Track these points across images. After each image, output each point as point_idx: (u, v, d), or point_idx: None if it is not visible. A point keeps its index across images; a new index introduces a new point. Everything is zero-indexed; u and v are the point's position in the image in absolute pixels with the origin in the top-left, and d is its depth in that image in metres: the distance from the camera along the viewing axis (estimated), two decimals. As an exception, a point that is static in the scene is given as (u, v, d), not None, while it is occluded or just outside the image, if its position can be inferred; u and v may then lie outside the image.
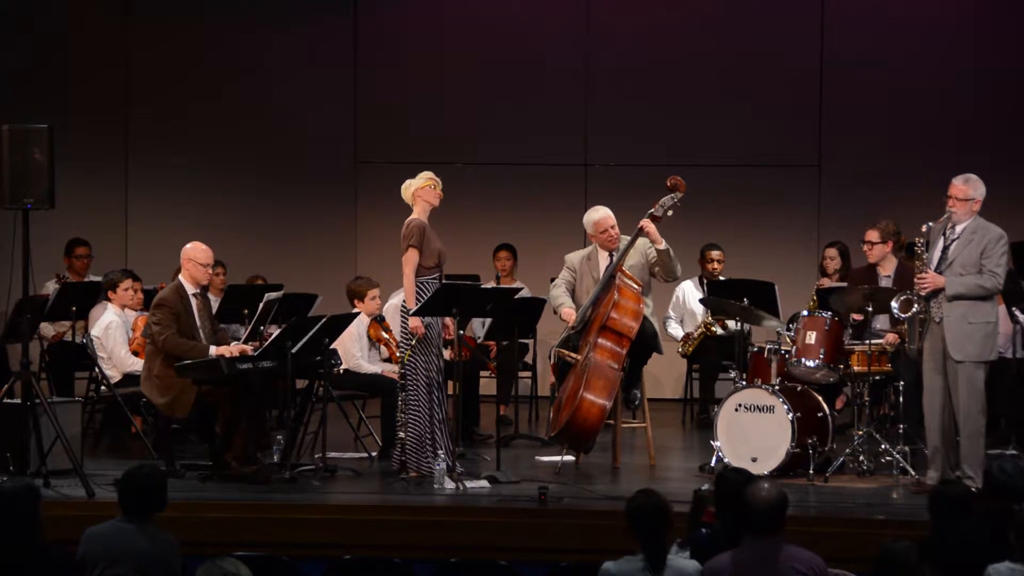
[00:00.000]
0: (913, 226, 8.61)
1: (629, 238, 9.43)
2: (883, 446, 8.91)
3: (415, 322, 8.74)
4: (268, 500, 8.30)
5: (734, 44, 13.47)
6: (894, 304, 8.57)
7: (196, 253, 9.09)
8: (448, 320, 8.90)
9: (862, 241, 9.78)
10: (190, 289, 9.03)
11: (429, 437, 8.79)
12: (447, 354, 9.19)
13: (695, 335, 11.57)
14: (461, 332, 9.58)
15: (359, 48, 13.78)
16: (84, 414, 9.66)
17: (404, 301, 8.91)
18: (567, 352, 9.32)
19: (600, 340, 9.08)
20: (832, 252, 11.49)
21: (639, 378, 9.47)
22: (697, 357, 11.68)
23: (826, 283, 11.10)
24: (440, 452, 8.67)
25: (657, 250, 9.33)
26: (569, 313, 9.41)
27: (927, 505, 6.35)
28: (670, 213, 9.43)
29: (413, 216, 8.92)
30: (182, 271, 9.11)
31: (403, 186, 8.99)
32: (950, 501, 6.24)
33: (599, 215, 9.55)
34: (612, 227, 9.50)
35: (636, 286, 9.23)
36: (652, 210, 9.39)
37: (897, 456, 8.81)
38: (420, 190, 8.91)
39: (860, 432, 9.07)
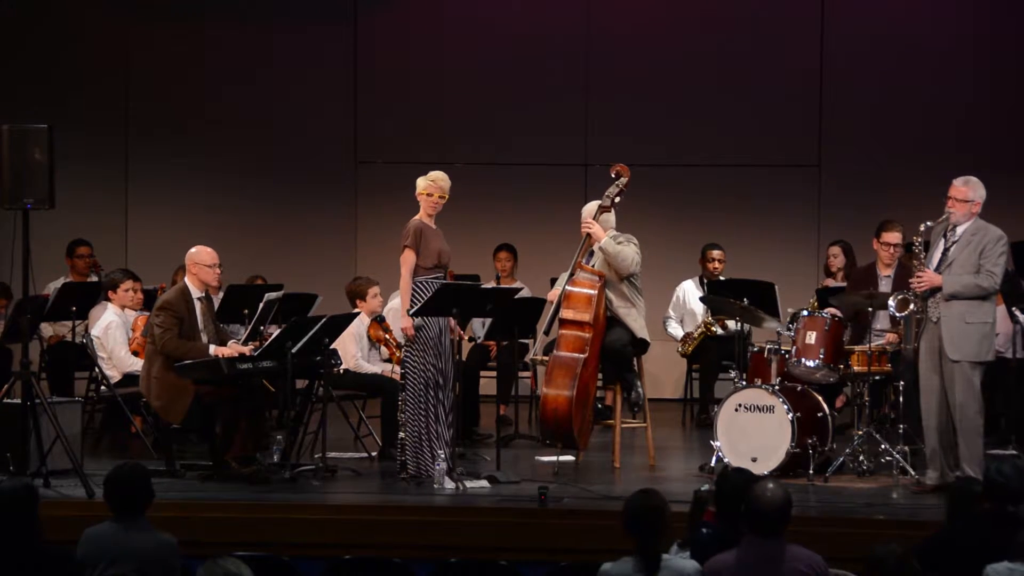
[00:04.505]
0: (913, 226, 8.61)
1: (615, 234, 9.44)
2: (883, 446, 8.91)
3: (406, 322, 8.76)
4: (268, 500, 8.30)
5: (734, 44, 13.47)
6: (891, 303, 8.58)
7: (202, 256, 9.08)
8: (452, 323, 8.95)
9: (883, 243, 9.79)
10: (195, 293, 9.03)
11: (427, 437, 8.78)
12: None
13: (695, 335, 11.57)
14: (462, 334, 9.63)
15: (359, 48, 13.78)
16: (84, 414, 9.67)
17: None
18: (539, 359, 9.43)
19: (561, 332, 9.22)
20: (835, 250, 11.49)
21: (626, 380, 9.43)
22: (697, 357, 11.68)
23: (830, 283, 11.08)
24: (440, 452, 8.67)
25: (600, 249, 9.34)
26: (553, 294, 9.47)
27: (945, 500, 6.35)
28: (618, 200, 9.43)
29: (415, 217, 8.94)
30: (188, 275, 9.09)
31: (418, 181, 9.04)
32: (969, 497, 6.24)
33: None
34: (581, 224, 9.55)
35: (593, 276, 9.22)
36: (600, 201, 9.42)
37: (897, 456, 8.81)
38: (419, 195, 8.95)
39: (860, 432, 9.07)
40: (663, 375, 13.04)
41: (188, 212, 13.58)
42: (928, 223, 8.42)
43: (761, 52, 13.45)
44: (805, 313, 9.34)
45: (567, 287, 9.22)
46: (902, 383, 9.05)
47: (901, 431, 8.92)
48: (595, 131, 13.59)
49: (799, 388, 9.15)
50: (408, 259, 8.84)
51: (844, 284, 10.69)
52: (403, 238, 8.87)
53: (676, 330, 11.78)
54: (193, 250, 9.14)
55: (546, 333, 9.96)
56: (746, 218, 13.33)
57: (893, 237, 9.81)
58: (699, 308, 11.49)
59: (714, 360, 11.49)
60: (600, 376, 9.50)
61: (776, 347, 9.31)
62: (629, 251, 9.25)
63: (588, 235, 9.35)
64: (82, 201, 12.86)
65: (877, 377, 9.29)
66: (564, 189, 13.20)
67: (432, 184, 8.92)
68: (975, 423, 8.32)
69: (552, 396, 9.05)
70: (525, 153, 13.58)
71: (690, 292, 11.77)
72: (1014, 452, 9.62)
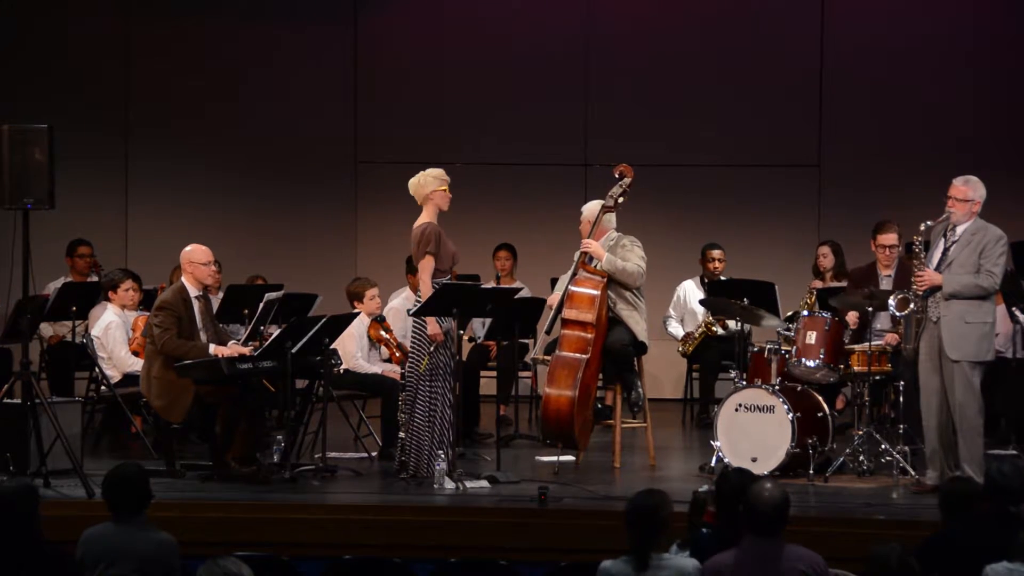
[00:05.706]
0: (913, 226, 8.61)
1: (617, 235, 9.43)
2: (883, 446, 8.91)
3: (434, 328, 8.71)
4: (268, 500, 8.29)
5: (734, 44, 13.48)
6: (891, 302, 8.57)
7: (195, 255, 9.10)
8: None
9: (879, 246, 9.79)
10: (193, 292, 9.03)
11: (428, 435, 8.76)
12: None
13: (696, 335, 11.57)
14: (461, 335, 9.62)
15: (359, 48, 13.78)
16: (84, 414, 9.66)
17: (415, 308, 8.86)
18: (540, 358, 9.42)
19: (564, 332, 9.22)
20: (825, 249, 11.48)
21: (626, 380, 9.42)
22: (697, 357, 11.68)
23: (818, 284, 11.06)
24: (440, 452, 8.66)
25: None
26: (554, 298, 9.46)
27: (938, 502, 6.36)
28: (621, 200, 9.43)
29: (425, 219, 8.85)
30: (184, 274, 9.10)
31: (414, 182, 8.89)
32: (961, 498, 6.25)
33: None
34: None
35: (596, 277, 9.21)
36: (604, 201, 9.41)
37: (897, 456, 8.81)
38: (435, 193, 8.87)
39: (860, 432, 9.07)
40: (663, 375, 13.05)
41: (188, 212, 13.58)
42: (928, 223, 8.41)
43: (761, 52, 13.45)
44: (805, 313, 9.35)
45: (570, 287, 9.21)
46: (902, 383, 9.06)
47: (901, 431, 8.92)
48: (595, 131, 13.59)
49: (799, 388, 9.15)
50: (429, 266, 8.76)
51: (835, 284, 10.70)
52: (422, 244, 8.75)
53: (676, 329, 11.78)
54: (187, 248, 9.16)
55: (547, 332, 9.96)
56: (746, 218, 13.33)
57: (889, 239, 9.82)
58: (699, 308, 11.48)
59: (714, 360, 11.49)
60: (600, 376, 9.51)
61: (776, 347, 9.31)
62: (632, 265, 9.23)
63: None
64: (82, 201, 12.86)
65: (877, 377, 9.29)
66: (564, 189, 13.21)
67: (440, 178, 8.88)
68: (975, 423, 8.32)
69: (555, 396, 9.06)
70: (525, 153, 13.58)
71: (690, 292, 11.78)
72: (1014, 452, 9.62)
